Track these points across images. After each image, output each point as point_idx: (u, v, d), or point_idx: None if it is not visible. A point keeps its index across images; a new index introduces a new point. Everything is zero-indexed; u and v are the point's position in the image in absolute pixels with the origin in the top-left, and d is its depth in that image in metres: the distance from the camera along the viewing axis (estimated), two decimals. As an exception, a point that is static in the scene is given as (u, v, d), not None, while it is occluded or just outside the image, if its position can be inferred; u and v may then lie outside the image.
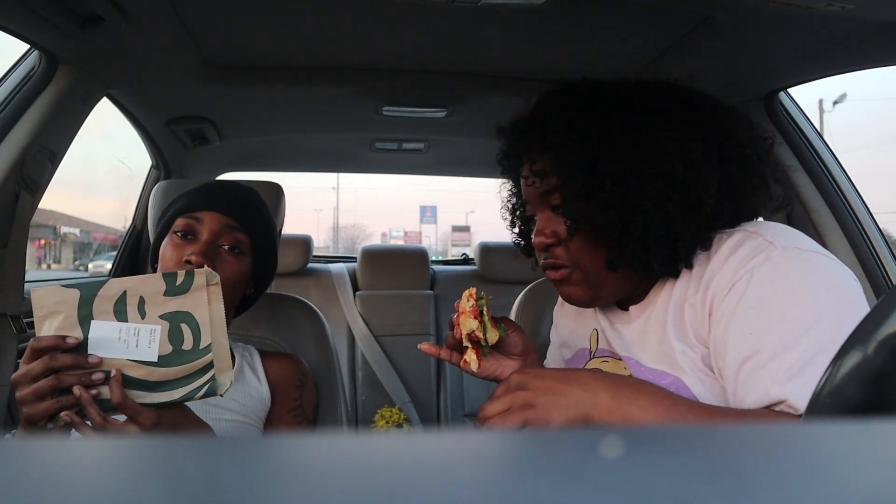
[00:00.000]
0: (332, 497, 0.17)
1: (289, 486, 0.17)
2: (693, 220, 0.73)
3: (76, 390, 0.68)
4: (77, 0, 0.99)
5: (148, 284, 0.73)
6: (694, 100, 0.80)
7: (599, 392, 0.64)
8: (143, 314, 0.72)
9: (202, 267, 0.90)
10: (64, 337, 0.69)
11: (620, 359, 0.84)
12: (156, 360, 0.71)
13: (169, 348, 0.72)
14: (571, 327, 0.99)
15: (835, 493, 0.18)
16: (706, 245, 0.75)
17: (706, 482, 0.18)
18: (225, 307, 0.98)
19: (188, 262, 0.92)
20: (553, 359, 1.06)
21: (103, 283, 0.72)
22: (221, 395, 0.73)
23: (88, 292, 0.71)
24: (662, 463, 0.20)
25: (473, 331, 0.80)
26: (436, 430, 0.77)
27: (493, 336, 0.81)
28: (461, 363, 0.83)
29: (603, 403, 0.64)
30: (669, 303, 0.77)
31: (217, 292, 0.74)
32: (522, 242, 0.96)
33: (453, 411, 2.29)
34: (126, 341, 0.71)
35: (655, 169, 0.72)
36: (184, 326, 0.72)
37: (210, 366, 0.72)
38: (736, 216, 0.76)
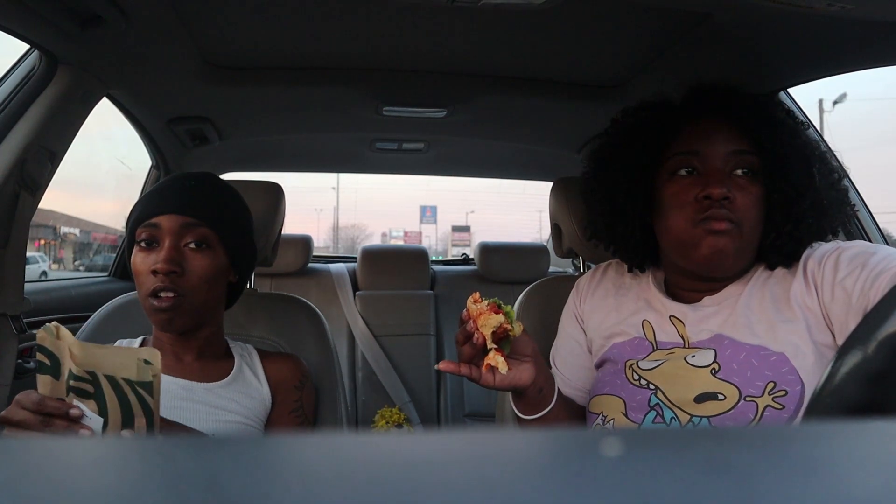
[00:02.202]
0: (332, 497, 0.17)
1: (289, 486, 0.17)
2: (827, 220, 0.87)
3: (84, 434, 0.69)
4: (77, 0, 0.99)
5: (44, 388, 0.73)
6: None
7: None
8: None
9: (169, 274, 0.91)
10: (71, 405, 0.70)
11: (687, 346, 0.88)
12: (102, 421, 0.71)
13: (94, 404, 0.72)
14: (617, 318, 0.98)
15: (834, 493, 0.18)
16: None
17: (706, 482, 0.18)
18: (210, 301, 0.99)
19: (154, 272, 0.91)
20: (568, 350, 1.04)
21: None
22: (154, 375, 0.71)
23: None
24: (662, 463, 0.20)
25: (501, 324, 0.76)
26: (436, 430, 0.76)
27: (518, 327, 0.78)
28: (483, 369, 0.79)
29: None
30: (764, 294, 0.86)
31: (63, 332, 0.73)
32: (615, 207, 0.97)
33: (453, 411, 2.29)
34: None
35: (835, 172, 0.88)
36: (78, 383, 0.72)
37: (112, 378, 0.71)
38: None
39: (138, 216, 0.97)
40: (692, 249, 0.85)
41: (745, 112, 0.87)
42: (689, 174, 0.87)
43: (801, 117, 0.96)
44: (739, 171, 0.85)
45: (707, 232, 0.83)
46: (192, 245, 0.95)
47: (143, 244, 0.95)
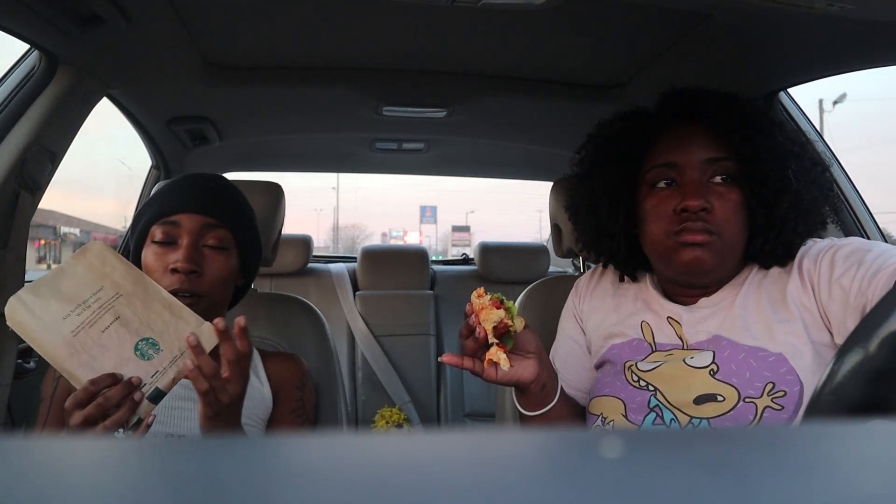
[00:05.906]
0: (332, 497, 0.17)
1: (289, 486, 0.17)
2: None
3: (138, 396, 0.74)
4: (77, 0, 0.99)
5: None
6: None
7: None
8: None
9: (189, 273, 0.91)
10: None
11: (685, 348, 0.87)
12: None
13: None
14: (616, 318, 0.97)
15: (834, 494, 0.18)
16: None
17: (706, 482, 0.18)
18: (220, 303, 0.99)
19: (174, 270, 0.90)
20: (568, 351, 1.04)
21: None
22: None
23: None
24: (662, 463, 0.20)
25: (501, 319, 0.76)
26: (436, 430, 0.76)
27: (520, 322, 0.79)
28: (485, 364, 0.79)
29: None
30: (760, 294, 0.85)
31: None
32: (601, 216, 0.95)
33: (453, 411, 2.29)
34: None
35: (818, 165, 0.87)
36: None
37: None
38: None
39: (155, 213, 0.96)
40: (671, 260, 0.86)
41: (719, 116, 0.86)
42: (668, 185, 0.87)
43: (787, 117, 0.95)
44: (718, 179, 0.85)
45: (682, 244, 0.83)
46: (210, 246, 0.94)
47: (158, 241, 0.94)
